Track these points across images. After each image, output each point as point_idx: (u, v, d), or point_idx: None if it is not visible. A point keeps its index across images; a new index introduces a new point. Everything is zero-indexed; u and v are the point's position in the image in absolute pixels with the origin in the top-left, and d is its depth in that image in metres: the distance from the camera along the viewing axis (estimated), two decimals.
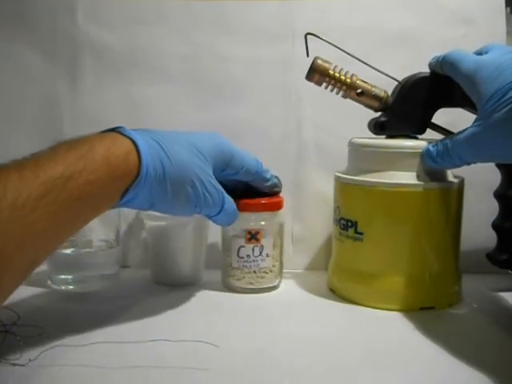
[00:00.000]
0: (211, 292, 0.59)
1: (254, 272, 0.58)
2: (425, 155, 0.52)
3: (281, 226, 0.60)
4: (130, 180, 0.42)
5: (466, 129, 0.48)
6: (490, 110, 0.45)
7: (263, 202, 0.57)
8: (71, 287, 0.58)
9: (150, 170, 0.42)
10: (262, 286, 0.58)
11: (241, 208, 0.55)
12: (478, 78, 0.47)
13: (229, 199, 0.51)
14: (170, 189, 0.45)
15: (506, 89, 0.44)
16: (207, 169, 0.47)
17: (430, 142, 0.52)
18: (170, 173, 0.44)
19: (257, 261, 0.58)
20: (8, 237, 0.33)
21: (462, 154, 0.49)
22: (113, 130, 0.44)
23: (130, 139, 0.42)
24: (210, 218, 0.52)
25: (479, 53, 0.50)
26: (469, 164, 0.49)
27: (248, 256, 0.57)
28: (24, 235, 0.34)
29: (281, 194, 0.60)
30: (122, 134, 0.43)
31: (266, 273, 0.58)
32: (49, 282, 0.59)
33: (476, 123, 0.46)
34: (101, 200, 0.40)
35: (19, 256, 0.34)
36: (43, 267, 0.61)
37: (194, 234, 0.60)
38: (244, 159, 0.52)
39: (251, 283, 0.58)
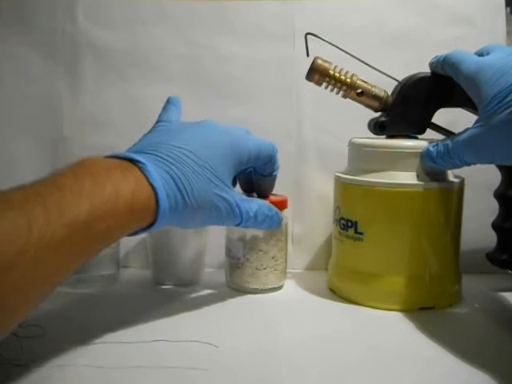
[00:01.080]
0: (211, 292, 0.59)
1: (276, 270, 0.59)
2: (425, 156, 0.52)
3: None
4: (147, 223, 0.42)
5: (466, 130, 0.48)
6: (491, 112, 0.45)
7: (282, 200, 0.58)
8: (71, 287, 0.58)
9: (167, 212, 0.42)
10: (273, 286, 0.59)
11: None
12: (480, 79, 0.47)
13: (250, 211, 0.49)
14: (184, 220, 0.45)
15: (508, 91, 0.44)
16: (226, 194, 0.46)
17: (430, 142, 0.52)
18: (185, 211, 0.44)
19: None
20: (31, 274, 0.33)
21: (462, 155, 0.49)
22: (132, 160, 0.42)
23: (150, 183, 0.41)
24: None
25: (480, 53, 0.50)
26: (469, 165, 0.49)
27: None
28: (45, 273, 0.34)
29: (284, 194, 0.60)
30: (143, 175, 0.41)
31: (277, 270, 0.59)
32: None
33: (477, 124, 0.46)
34: (117, 239, 0.41)
35: (37, 291, 0.35)
36: None
37: (194, 234, 0.60)
38: (260, 151, 0.51)
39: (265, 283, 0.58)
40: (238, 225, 0.49)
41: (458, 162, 0.49)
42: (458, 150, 0.48)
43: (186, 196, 0.43)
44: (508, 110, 0.43)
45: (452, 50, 0.51)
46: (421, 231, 0.53)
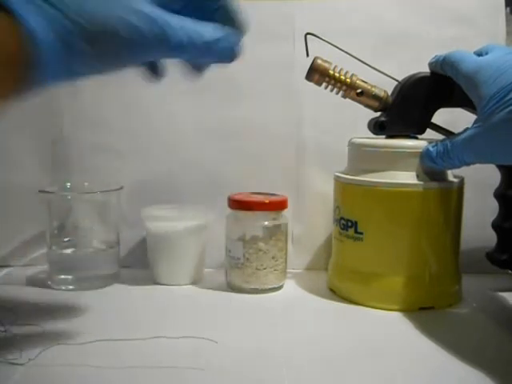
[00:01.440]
0: (211, 292, 0.59)
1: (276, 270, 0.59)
2: (424, 156, 0.52)
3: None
4: (27, 66, 0.33)
5: (465, 130, 0.48)
6: (489, 112, 0.45)
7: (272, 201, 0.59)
8: (71, 287, 0.58)
9: (54, 44, 0.32)
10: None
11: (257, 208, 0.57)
12: (479, 79, 0.47)
13: (200, 33, 0.37)
14: (98, 54, 0.34)
15: (507, 90, 0.43)
16: (143, 7, 0.34)
17: (430, 142, 0.52)
18: (82, 36, 0.33)
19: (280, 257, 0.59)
20: None
21: (461, 155, 0.48)
22: None
23: (18, 17, 0.31)
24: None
25: (479, 53, 0.50)
26: (468, 165, 0.49)
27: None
28: None
29: (284, 194, 0.60)
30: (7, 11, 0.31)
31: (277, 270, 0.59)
32: (49, 282, 0.59)
33: (476, 124, 0.46)
34: None
35: None
36: (43, 267, 0.61)
37: (194, 234, 0.60)
38: None
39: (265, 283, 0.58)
40: (183, 53, 0.37)
41: (457, 163, 0.49)
42: (457, 150, 0.48)
43: (71, 15, 0.32)
44: (507, 109, 0.43)
45: (452, 50, 0.51)
46: (420, 231, 0.53)
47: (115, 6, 0.34)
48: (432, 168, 0.52)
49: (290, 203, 0.60)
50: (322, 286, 0.60)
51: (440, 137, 0.55)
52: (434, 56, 0.54)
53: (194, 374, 0.40)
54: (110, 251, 0.61)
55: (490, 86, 0.45)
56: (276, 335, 0.47)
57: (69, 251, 0.60)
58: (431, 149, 0.51)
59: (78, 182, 0.64)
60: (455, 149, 0.49)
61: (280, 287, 0.60)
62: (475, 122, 0.47)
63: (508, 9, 0.66)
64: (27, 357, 0.41)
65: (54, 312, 0.52)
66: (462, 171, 0.53)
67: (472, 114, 0.51)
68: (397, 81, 0.56)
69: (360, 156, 0.56)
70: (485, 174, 0.56)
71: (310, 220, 0.67)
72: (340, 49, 0.55)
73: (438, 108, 0.55)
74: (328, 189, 0.60)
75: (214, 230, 0.63)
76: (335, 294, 0.58)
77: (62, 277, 0.59)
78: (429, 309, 0.53)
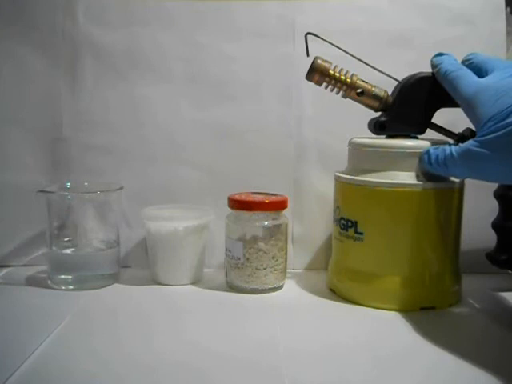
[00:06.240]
0: (211, 292, 0.59)
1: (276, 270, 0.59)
2: (423, 157, 0.51)
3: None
4: None
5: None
6: (487, 133, 0.44)
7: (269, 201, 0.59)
8: (71, 287, 0.58)
9: None
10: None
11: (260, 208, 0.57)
12: (478, 101, 0.46)
13: None
14: None
15: (506, 113, 0.43)
16: None
17: (433, 143, 0.52)
18: None
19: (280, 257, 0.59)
20: None
21: (455, 171, 0.49)
22: None
23: None
24: None
25: (480, 67, 0.49)
26: (463, 179, 0.49)
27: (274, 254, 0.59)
28: None
29: (284, 194, 0.60)
30: None
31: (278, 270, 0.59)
32: (49, 282, 0.59)
33: (473, 143, 0.46)
34: None
35: None
36: (43, 267, 0.61)
37: (194, 234, 0.60)
38: None
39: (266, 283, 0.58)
40: None
41: (450, 174, 0.50)
42: (452, 164, 0.48)
43: None
44: (504, 131, 0.43)
45: (453, 66, 0.51)
46: (421, 231, 0.53)
47: None
48: (429, 171, 0.52)
49: (289, 203, 0.60)
50: (322, 285, 0.60)
51: (440, 137, 0.55)
52: (436, 54, 0.53)
53: (193, 374, 0.40)
54: (110, 251, 0.61)
55: (489, 108, 0.45)
56: (276, 335, 0.47)
57: (69, 251, 0.60)
58: (432, 151, 0.51)
59: (78, 182, 0.64)
60: (451, 163, 0.48)
61: (280, 287, 0.60)
62: (474, 142, 0.46)
63: (508, 9, 0.66)
64: (27, 356, 0.41)
65: (54, 312, 0.52)
66: None
67: None
68: (397, 81, 0.56)
69: (360, 156, 0.56)
70: None
71: (310, 220, 0.68)
72: (340, 48, 0.55)
73: (438, 108, 0.55)
74: (328, 189, 0.60)
75: (214, 230, 0.63)
76: (335, 293, 0.58)
77: (62, 277, 0.59)
78: (429, 309, 0.53)
